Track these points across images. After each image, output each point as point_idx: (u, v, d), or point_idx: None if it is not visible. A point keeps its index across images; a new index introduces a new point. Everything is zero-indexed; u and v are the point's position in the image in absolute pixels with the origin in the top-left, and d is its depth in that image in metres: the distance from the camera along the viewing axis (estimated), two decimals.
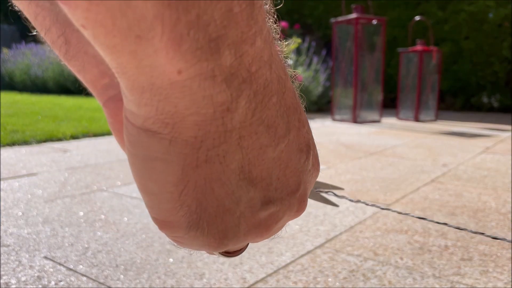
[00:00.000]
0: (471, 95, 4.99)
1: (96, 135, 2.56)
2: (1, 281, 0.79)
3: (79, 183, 1.52)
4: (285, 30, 5.46)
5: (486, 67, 4.75)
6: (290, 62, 4.40)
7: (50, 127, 2.72)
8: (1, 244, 0.96)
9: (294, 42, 4.73)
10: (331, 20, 3.88)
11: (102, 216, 1.16)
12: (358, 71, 3.57)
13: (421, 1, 5.06)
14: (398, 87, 3.96)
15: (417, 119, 3.76)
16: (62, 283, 0.79)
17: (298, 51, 4.85)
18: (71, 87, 6.28)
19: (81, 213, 1.19)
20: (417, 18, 4.03)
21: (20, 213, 1.18)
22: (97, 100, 0.23)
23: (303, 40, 4.84)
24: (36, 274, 0.82)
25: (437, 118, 3.86)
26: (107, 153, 2.10)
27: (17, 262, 0.87)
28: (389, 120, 3.87)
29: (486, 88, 4.85)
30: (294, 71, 0.17)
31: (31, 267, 0.85)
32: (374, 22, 3.66)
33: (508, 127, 3.45)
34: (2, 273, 0.82)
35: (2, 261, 0.87)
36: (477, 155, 2.18)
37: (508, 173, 1.75)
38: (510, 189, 1.49)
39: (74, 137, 2.48)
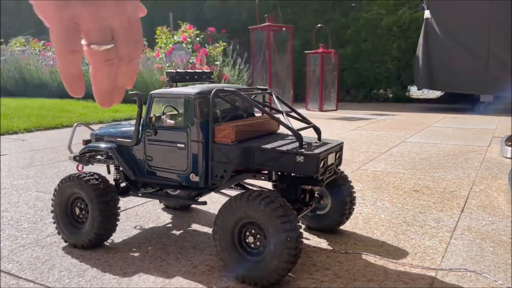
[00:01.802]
0: (370, 88, 5.92)
1: (47, 128, 3.02)
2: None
3: (44, 157, 2.05)
4: (213, 34, 6.10)
5: (381, 64, 5.68)
6: (217, 63, 5.04)
7: (3, 123, 3.13)
8: None
9: (220, 46, 5.38)
10: (249, 27, 4.56)
11: (66, 174, 1.72)
12: (271, 70, 4.28)
13: (328, 9, 5.92)
14: (306, 83, 4.73)
15: (321, 109, 4.55)
16: None
17: (225, 53, 5.48)
18: (12, 89, 6.52)
19: (52, 173, 1.74)
20: (319, 26, 4.82)
21: (8, 173, 1.71)
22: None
23: (230, 44, 5.48)
24: None
25: (337, 108, 4.67)
26: (59, 140, 2.60)
27: None
28: (299, 111, 4.62)
29: (382, 82, 5.80)
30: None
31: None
32: (284, 29, 4.39)
33: (389, 113, 4.32)
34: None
35: None
36: (348, 131, 2.94)
37: (356, 139, 2.50)
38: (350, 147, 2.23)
39: (27, 130, 2.93)
